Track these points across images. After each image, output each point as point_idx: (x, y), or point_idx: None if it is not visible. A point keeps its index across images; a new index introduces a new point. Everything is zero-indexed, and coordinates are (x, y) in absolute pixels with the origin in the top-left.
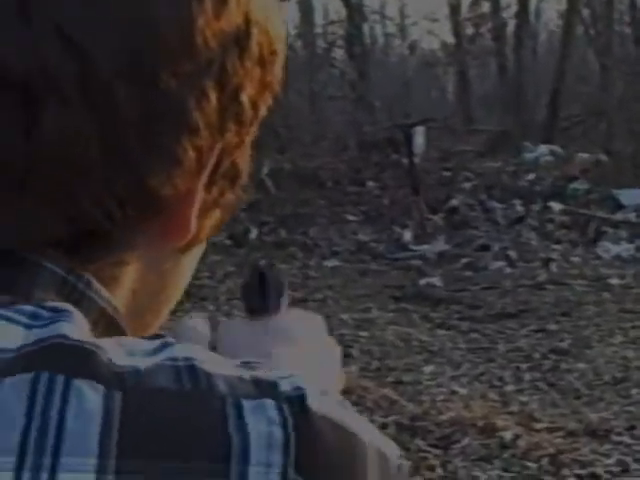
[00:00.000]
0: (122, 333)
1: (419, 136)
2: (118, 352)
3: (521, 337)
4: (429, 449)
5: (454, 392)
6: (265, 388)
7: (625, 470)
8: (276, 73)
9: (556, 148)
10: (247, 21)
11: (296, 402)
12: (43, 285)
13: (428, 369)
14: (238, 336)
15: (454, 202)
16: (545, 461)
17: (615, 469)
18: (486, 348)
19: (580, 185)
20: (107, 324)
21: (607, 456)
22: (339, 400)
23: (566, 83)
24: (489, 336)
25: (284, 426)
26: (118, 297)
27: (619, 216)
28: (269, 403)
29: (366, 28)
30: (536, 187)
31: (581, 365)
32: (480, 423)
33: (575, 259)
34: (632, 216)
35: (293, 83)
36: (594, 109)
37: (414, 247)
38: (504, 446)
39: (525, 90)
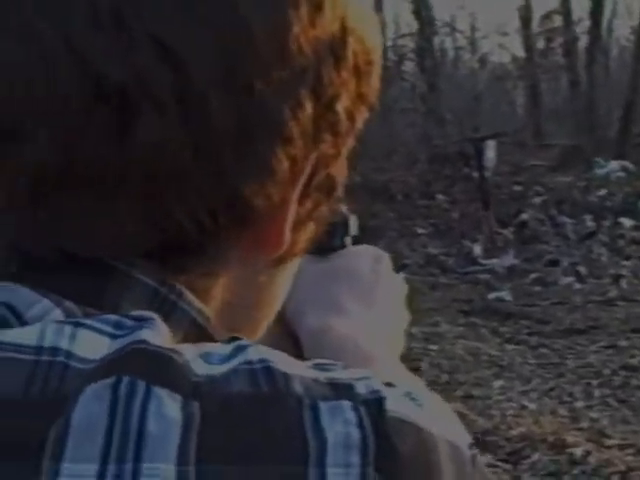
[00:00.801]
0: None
1: (490, 150)
2: (196, 359)
3: (591, 353)
4: (499, 464)
5: (524, 407)
6: (341, 390)
7: None
8: (372, 84)
9: (628, 164)
10: (343, 30)
11: (372, 404)
12: (133, 296)
13: (497, 384)
14: (302, 277)
15: (524, 216)
16: (616, 478)
17: None
18: (556, 363)
19: None
20: (199, 334)
21: None
22: (409, 391)
23: (639, 98)
24: (558, 351)
25: (361, 427)
26: (210, 309)
27: None
28: (346, 405)
29: (436, 41)
30: (607, 203)
31: None
32: (550, 439)
33: None
34: None
35: None
36: None
37: (483, 261)
38: (574, 462)
39: (597, 105)
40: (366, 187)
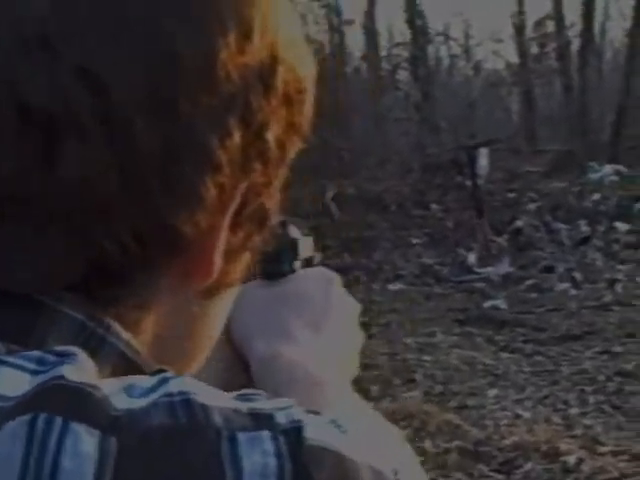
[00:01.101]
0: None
1: (483, 157)
2: (118, 393)
3: (586, 359)
4: (492, 474)
5: (518, 416)
6: (261, 420)
7: None
8: (305, 114)
9: (621, 168)
10: (272, 58)
11: (292, 433)
12: (60, 331)
13: (492, 393)
14: (251, 302)
15: (519, 223)
16: None
17: None
18: (550, 371)
19: None
20: (127, 368)
21: None
22: (334, 419)
23: (632, 102)
24: (553, 358)
25: (279, 456)
26: (141, 342)
27: None
28: (265, 435)
29: (431, 49)
30: (601, 207)
31: None
32: (543, 447)
33: None
34: None
35: (357, 106)
36: None
37: (478, 269)
38: (567, 470)
39: (590, 109)
40: (360, 197)
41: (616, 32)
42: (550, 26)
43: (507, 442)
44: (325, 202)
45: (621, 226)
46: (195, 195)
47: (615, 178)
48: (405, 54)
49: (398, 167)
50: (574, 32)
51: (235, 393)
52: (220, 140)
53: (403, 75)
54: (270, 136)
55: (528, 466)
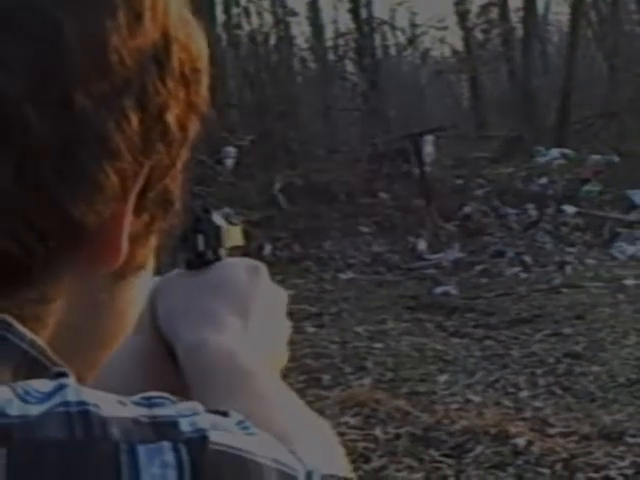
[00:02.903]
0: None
1: (428, 145)
2: (11, 400)
3: (536, 342)
4: (442, 459)
5: (468, 400)
6: (163, 429)
7: (638, 472)
8: (202, 93)
9: (568, 151)
10: (165, 38)
11: (195, 441)
12: None
13: (442, 378)
14: (176, 290)
15: (467, 209)
16: (559, 466)
17: (629, 471)
18: (501, 355)
19: (593, 187)
20: (31, 368)
21: (621, 458)
22: (241, 420)
23: (576, 85)
24: (503, 342)
25: (179, 468)
26: (45, 336)
27: (633, 216)
28: (166, 446)
29: (378, 39)
30: (549, 191)
31: (595, 368)
32: (493, 431)
33: (590, 261)
34: None
35: (305, 97)
36: (605, 111)
37: (429, 256)
38: (517, 453)
39: (534, 94)
40: (308, 188)
41: (563, 17)
42: (494, 12)
43: (457, 427)
44: (273, 193)
45: (569, 209)
46: (94, 184)
47: (562, 161)
48: (351, 44)
49: (346, 157)
50: (518, 18)
51: (140, 397)
52: (117, 126)
53: (351, 66)
54: (170, 117)
55: (478, 450)
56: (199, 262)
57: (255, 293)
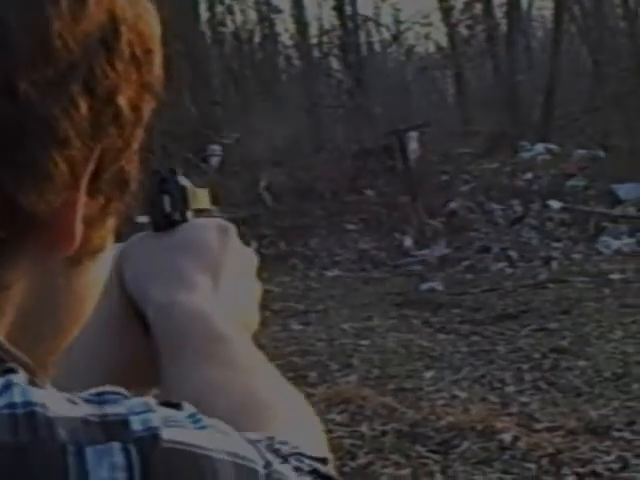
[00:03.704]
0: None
1: (413, 141)
2: None
3: (522, 337)
4: (429, 455)
5: (454, 396)
6: (113, 429)
7: (624, 466)
8: (155, 73)
9: (553, 146)
10: (112, 20)
11: (146, 440)
12: None
13: (428, 375)
14: (143, 253)
15: (453, 205)
16: (545, 461)
17: (615, 465)
18: (487, 350)
19: (578, 182)
20: None
21: (607, 453)
22: (193, 412)
23: (561, 80)
24: (489, 338)
25: (129, 469)
26: (2, 327)
27: (618, 211)
28: (115, 447)
29: (362, 36)
30: (534, 186)
31: (581, 362)
32: (479, 426)
33: (576, 256)
34: (631, 210)
35: (290, 95)
36: (589, 106)
37: (415, 253)
38: (503, 448)
39: (519, 89)
40: (294, 186)
41: (547, 11)
42: (478, 8)
43: (443, 423)
44: (259, 191)
45: (554, 204)
46: (44, 175)
47: (547, 157)
48: (336, 41)
49: (331, 154)
50: (502, 13)
51: (92, 393)
52: (64, 112)
53: (335, 63)
54: (122, 100)
55: (464, 445)
56: (166, 223)
57: (225, 252)
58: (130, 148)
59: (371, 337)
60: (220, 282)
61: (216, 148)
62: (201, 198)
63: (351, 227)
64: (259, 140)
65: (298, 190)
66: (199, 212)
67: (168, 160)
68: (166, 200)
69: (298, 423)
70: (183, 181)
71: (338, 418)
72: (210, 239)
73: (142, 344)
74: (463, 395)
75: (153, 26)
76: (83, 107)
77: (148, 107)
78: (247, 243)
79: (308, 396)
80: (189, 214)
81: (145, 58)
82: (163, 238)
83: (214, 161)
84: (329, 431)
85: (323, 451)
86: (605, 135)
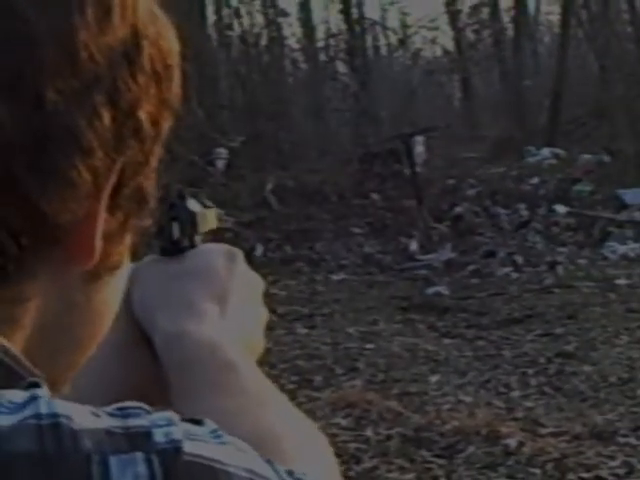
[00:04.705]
0: (23, 381)
1: (419, 145)
2: None
3: (527, 342)
4: (434, 459)
5: (460, 401)
6: (136, 440)
7: (630, 472)
8: (174, 89)
9: (559, 151)
10: (135, 34)
11: (168, 452)
12: None
13: (434, 379)
14: (151, 278)
15: (459, 210)
16: (550, 466)
17: (620, 471)
18: (492, 355)
19: (584, 187)
20: (4, 376)
21: (612, 458)
22: (214, 429)
23: (567, 85)
24: (495, 343)
25: (151, 479)
26: (20, 339)
27: (624, 216)
28: (138, 457)
29: (369, 40)
30: (540, 191)
31: (587, 367)
32: (484, 431)
33: (582, 261)
34: (637, 215)
35: (296, 98)
36: (596, 110)
37: (420, 257)
38: (508, 453)
39: (525, 94)
40: (300, 189)
41: (553, 16)
42: (485, 12)
43: (448, 427)
44: (265, 195)
45: (560, 209)
46: (67, 182)
47: (553, 161)
48: (342, 45)
49: (337, 158)
50: (509, 18)
51: (114, 407)
52: (88, 122)
53: (342, 67)
54: (142, 114)
55: (469, 450)
56: (174, 249)
57: (232, 279)
58: (149, 164)
59: (376, 341)
60: (227, 309)
61: (222, 151)
62: (209, 219)
63: (357, 231)
64: (265, 143)
65: (304, 193)
66: (207, 234)
67: (173, 164)
68: (175, 227)
69: (310, 452)
70: (192, 206)
71: (343, 422)
72: (218, 266)
73: (150, 368)
74: (468, 400)
75: (172, 43)
76: (106, 118)
77: (166, 123)
78: (253, 246)
79: (313, 400)
80: (198, 239)
81: (165, 73)
82: (171, 264)
83: (220, 164)
84: (334, 435)
85: (337, 478)
86: (611, 140)
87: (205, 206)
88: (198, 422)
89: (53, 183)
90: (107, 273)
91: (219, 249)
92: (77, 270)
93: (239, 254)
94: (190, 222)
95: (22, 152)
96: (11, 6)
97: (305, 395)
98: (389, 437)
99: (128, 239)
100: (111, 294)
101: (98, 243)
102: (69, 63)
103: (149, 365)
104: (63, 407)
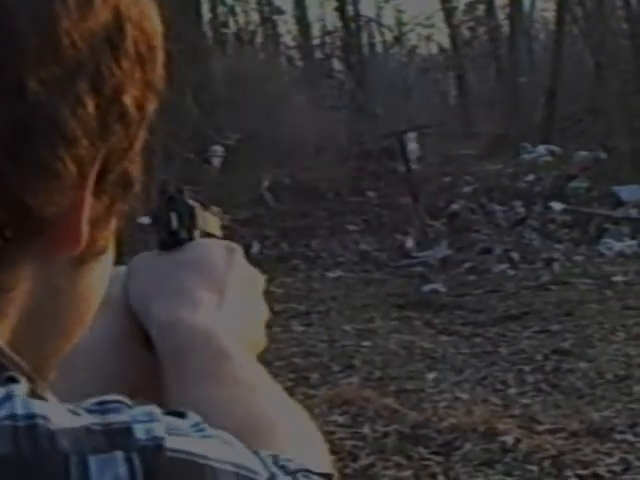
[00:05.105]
0: (5, 371)
1: (411, 142)
2: None
3: (524, 339)
4: (431, 456)
5: (456, 398)
6: (117, 438)
7: (627, 468)
8: (158, 71)
9: (554, 148)
10: (118, 17)
11: (150, 449)
12: None
13: (431, 376)
14: (148, 270)
15: (455, 207)
16: (547, 463)
17: (617, 468)
18: (489, 352)
19: (580, 183)
20: None
21: (609, 455)
22: (197, 422)
23: (563, 82)
24: (492, 340)
25: (132, 478)
26: (5, 329)
27: (620, 212)
28: (118, 456)
29: (365, 37)
30: (536, 188)
31: (583, 364)
32: (481, 428)
33: (578, 258)
34: (633, 212)
35: (292, 95)
36: (591, 107)
37: (416, 254)
38: (505, 450)
39: (521, 91)
40: (296, 187)
41: (549, 13)
42: (480, 10)
43: (445, 424)
44: (261, 192)
45: (556, 206)
46: (52, 174)
47: (549, 158)
48: (338, 42)
49: (333, 155)
50: (504, 15)
51: (94, 402)
52: (72, 111)
53: (338, 64)
54: (127, 99)
55: (466, 447)
56: (172, 241)
57: (230, 271)
58: (134, 148)
59: (373, 338)
60: (225, 300)
61: (218, 149)
62: (211, 223)
63: (353, 228)
64: (261, 141)
65: (300, 191)
66: (208, 235)
67: (170, 162)
68: (173, 218)
69: (302, 440)
70: (191, 201)
71: (340, 419)
72: (216, 257)
73: (148, 362)
74: (465, 397)
75: (156, 24)
76: (90, 106)
77: (151, 107)
78: (249, 244)
79: (310, 397)
80: (196, 233)
81: (149, 56)
82: (169, 256)
83: (216, 162)
84: (331, 432)
85: (328, 467)
86: (607, 137)
87: (210, 212)
88: (181, 415)
89: (37, 175)
90: (93, 258)
91: (218, 243)
92: (63, 257)
93: (238, 249)
94: (188, 215)
95: (4, 144)
96: None
97: (302, 393)
98: (386, 434)
99: (113, 224)
100: (97, 279)
101: (85, 229)
102: (51, 51)
103: (147, 360)
104: (39, 407)
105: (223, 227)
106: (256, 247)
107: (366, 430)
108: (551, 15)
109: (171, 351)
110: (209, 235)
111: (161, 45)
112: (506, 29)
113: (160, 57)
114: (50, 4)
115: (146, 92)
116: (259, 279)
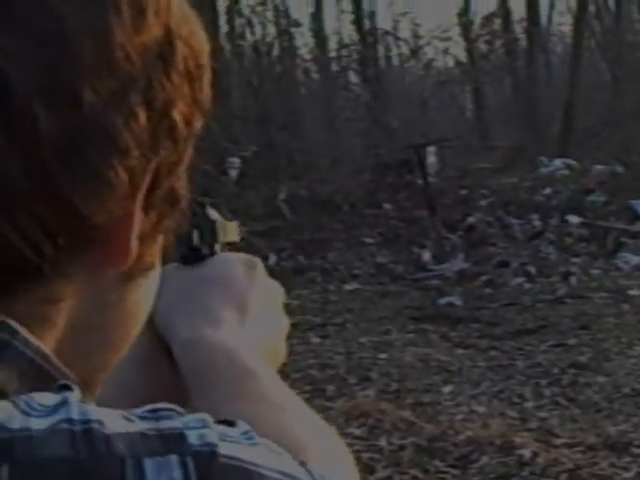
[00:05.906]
0: (55, 382)
1: (431, 156)
2: (12, 413)
3: (540, 353)
4: (447, 469)
5: (473, 411)
6: (170, 442)
7: None
8: (205, 89)
9: (571, 161)
10: (169, 34)
11: (203, 455)
12: None
13: (447, 389)
14: (170, 286)
15: (471, 220)
16: (564, 477)
17: None
18: (505, 365)
19: (597, 197)
20: (36, 375)
21: (626, 469)
22: (246, 430)
23: (580, 95)
24: (508, 353)
25: None
26: (52, 339)
27: (637, 227)
28: (173, 459)
29: (381, 50)
30: (553, 201)
31: (600, 378)
32: (498, 441)
33: (595, 272)
34: None
35: (308, 108)
36: (608, 120)
37: (433, 267)
38: (523, 464)
39: (538, 104)
40: (312, 199)
41: (566, 27)
42: (497, 23)
43: (462, 437)
44: (277, 204)
45: (573, 219)
46: (104, 182)
47: (566, 172)
48: (355, 55)
49: (350, 168)
50: (521, 28)
51: (146, 410)
52: (125, 123)
53: (354, 77)
54: (176, 114)
55: (483, 460)
56: (194, 257)
57: (252, 288)
58: (182, 164)
59: (389, 351)
60: (246, 317)
61: (235, 161)
62: (230, 231)
63: (369, 241)
64: (277, 153)
65: (316, 203)
66: (228, 245)
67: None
68: (195, 234)
69: (333, 461)
70: (212, 214)
71: (356, 432)
72: (237, 273)
73: (171, 378)
74: (482, 410)
75: (203, 42)
76: (142, 118)
77: (199, 124)
78: (265, 256)
79: (326, 410)
80: (217, 247)
81: (197, 73)
82: (190, 272)
83: (233, 174)
84: (347, 445)
85: None
86: (624, 150)
87: (225, 218)
88: (231, 423)
89: (90, 184)
90: (140, 274)
91: (239, 257)
92: (112, 271)
93: (259, 263)
94: (210, 230)
95: (58, 152)
96: (46, 4)
97: (318, 405)
98: (402, 447)
99: (160, 240)
100: (143, 295)
101: (134, 243)
102: (105, 63)
103: (170, 375)
104: (95, 412)
105: (241, 239)
106: (272, 259)
107: (383, 443)
108: (568, 29)
109: (193, 369)
110: (229, 244)
111: (208, 64)
112: (523, 43)
113: (207, 75)
114: (105, 15)
115: (194, 109)
116: (279, 292)
